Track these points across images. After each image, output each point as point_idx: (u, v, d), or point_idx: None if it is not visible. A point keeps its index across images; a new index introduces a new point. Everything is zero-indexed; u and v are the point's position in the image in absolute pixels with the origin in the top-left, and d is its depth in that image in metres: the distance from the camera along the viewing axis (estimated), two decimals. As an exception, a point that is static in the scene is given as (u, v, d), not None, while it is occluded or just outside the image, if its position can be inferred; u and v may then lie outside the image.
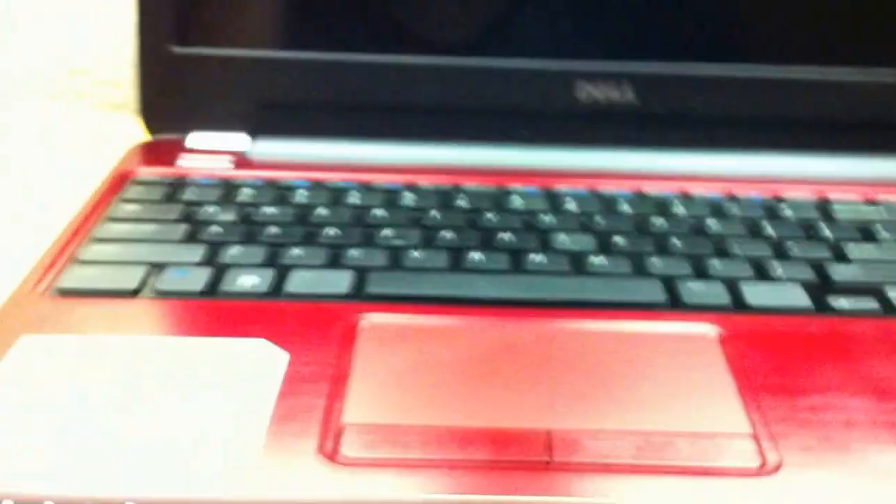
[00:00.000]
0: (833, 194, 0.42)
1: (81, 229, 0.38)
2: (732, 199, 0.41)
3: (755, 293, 0.35)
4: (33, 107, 0.52)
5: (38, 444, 0.26)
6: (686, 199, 0.41)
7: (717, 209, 0.41)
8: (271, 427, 0.27)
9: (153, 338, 0.31)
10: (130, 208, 0.39)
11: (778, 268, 0.36)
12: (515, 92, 0.44)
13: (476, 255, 0.36)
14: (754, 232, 0.39)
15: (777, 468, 0.27)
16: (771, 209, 0.41)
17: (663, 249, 0.37)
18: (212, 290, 0.34)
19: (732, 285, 0.35)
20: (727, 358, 0.31)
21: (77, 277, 0.34)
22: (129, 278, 0.34)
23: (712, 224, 0.39)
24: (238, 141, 0.44)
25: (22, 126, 0.50)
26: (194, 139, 0.45)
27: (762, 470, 0.27)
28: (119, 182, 0.41)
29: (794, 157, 0.44)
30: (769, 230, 0.39)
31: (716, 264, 0.36)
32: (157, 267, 0.35)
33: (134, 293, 0.33)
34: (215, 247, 0.36)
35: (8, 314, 0.32)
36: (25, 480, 0.25)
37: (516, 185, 0.42)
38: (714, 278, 0.35)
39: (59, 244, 0.36)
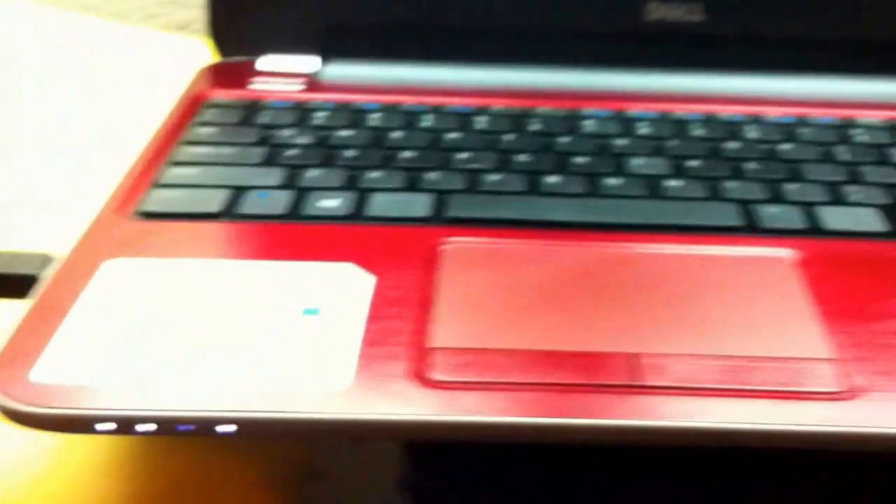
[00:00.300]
0: None
1: (160, 152, 0.37)
2: (804, 122, 0.40)
3: (832, 217, 0.34)
4: (99, 27, 0.51)
5: (132, 364, 0.26)
6: (758, 122, 0.40)
7: (789, 133, 0.39)
8: (363, 350, 0.27)
9: (240, 261, 0.31)
10: (207, 131, 0.39)
11: (853, 192, 0.35)
12: (585, 12, 0.42)
13: (552, 179, 0.36)
14: (828, 156, 0.38)
15: (859, 392, 0.26)
16: (844, 133, 0.40)
17: (738, 173, 0.36)
18: (294, 212, 0.34)
19: (808, 209, 0.34)
20: (806, 282, 0.31)
21: (159, 200, 0.34)
22: (212, 201, 0.34)
23: (786, 148, 0.38)
24: (308, 63, 0.44)
25: (89, 47, 0.49)
26: (264, 62, 0.44)
27: (844, 394, 0.26)
28: (193, 105, 0.41)
29: (864, 81, 0.43)
30: (843, 154, 0.38)
31: (791, 188, 0.35)
32: (238, 190, 0.35)
33: (216, 216, 0.33)
34: (294, 170, 0.36)
35: (92, 237, 0.32)
36: (121, 401, 0.25)
37: (588, 109, 0.41)
38: (790, 202, 0.35)
39: (139, 167, 0.36)
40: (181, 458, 0.31)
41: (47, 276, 0.30)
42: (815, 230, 0.33)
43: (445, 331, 0.28)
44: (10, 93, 0.46)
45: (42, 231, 0.39)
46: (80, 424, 0.25)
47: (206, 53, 0.44)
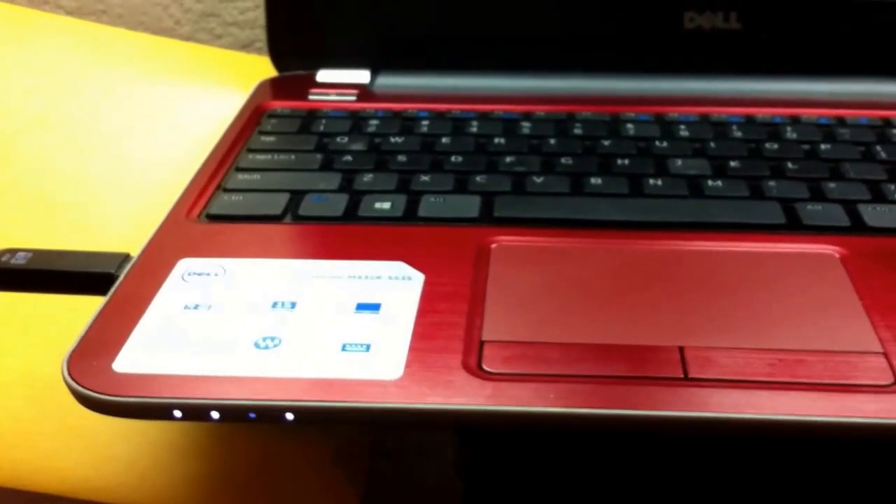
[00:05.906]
0: None
1: (225, 159, 0.36)
2: (842, 123, 0.38)
3: (873, 215, 0.32)
4: (169, 47, 0.51)
5: (205, 356, 0.25)
6: (796, 124, 0.38)
7: (827, 134, 0.37)
8: (414, 342, 0.26)
9: (299, 260, 0.30)
10: (268, 139, 0.38)
11: (894, 190, 0.33)
12: (626, 22, 0.41)
13: (596, 180, 0.34)
14: (867, 156, 0.36)
15: (909, 385, 0.24)
16: (881, 133, 0.37)
17: (778, 173, 0.34)
18: (349, 214, 0.32)
19: (850, 207, 0.32)
20: (851, 278, 0.28)
21: (225, 204, 0.33)
22: (274, 204, 0.33)
23: (825, 148, 0.36)
24: (361, 76, 0.42)
25: (161, 65, 0.49)
26: (320, 75, 0.43)
27: (894, 387, 0.24)
28: (255, 115, 0.40)
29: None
30: (881, 154, 0.36)
31: (832, 187, 0.33)
32: (298, 193, 0.33)
33: (278, 218, 0.32)
34: (350, 174, 0.35)
35: (164, 238, 0.31)
36: (195, 390, 0.24)
37: (629, 113, 0.39)
38: (831, 200, 0.32)
39: (206, 173, 0.35)
40: (255, 440, 0.30)
41: (124, 273, 0.29)
42: (856, 227, 0.31)
43: (496, 325, 0.26)
44: (87, 105, 0.46)
45: (114, 231, 0.38)
46: (160, 411, 0.24)
47: (266, 69, 0.44)
